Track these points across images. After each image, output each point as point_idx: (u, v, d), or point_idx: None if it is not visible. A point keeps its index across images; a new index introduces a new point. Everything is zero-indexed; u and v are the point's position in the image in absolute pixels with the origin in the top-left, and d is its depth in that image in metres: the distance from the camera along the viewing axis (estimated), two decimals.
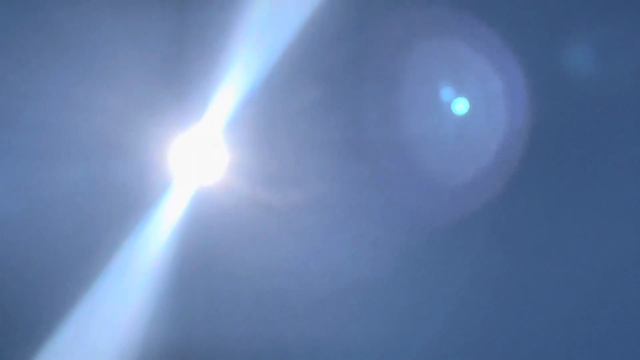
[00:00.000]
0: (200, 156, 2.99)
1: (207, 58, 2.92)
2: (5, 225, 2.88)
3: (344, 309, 3.00)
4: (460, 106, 3.02)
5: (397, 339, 2.99)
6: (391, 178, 3.03)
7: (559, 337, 2.98)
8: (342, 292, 2.99)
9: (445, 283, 3.00)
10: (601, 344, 2.97)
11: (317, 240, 3.00)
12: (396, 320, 3.00)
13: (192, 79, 2.92)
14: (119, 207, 2.90)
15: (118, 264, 2.90)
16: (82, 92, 2.88)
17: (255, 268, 2.97)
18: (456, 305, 2.98)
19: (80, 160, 2.90)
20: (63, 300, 2.87)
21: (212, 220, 2.97)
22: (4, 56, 2.86)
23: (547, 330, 2.99)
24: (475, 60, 3.02)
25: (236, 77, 2.92)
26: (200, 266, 2.96)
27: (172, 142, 2.97)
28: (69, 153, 2.90)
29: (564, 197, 3.02)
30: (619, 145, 3.02)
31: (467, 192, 3.02)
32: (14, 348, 2.86)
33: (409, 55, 3.01)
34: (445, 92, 3.04)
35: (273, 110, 2.98)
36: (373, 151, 3.03)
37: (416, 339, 2.98)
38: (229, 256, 2.97)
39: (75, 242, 2.89)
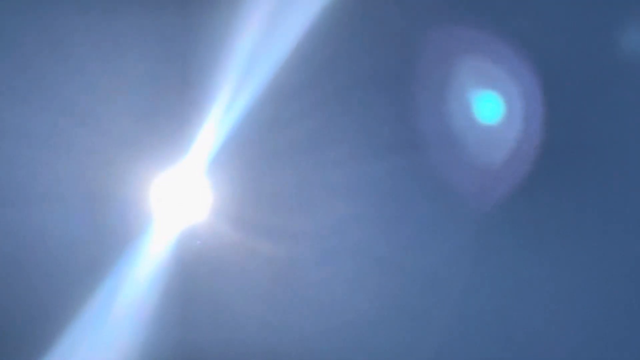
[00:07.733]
0: (183, 196, 2.96)
1: (191, 96, 2.90)
2: None
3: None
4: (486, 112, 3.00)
5: None
6: (390, 218, 3.00)
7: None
8: (336, 333, 2.97)
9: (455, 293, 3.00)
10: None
11: (303, 282, 2.98)
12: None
13: (176, 118, 2.90)
14: (100, 249, 2.88)
15: (98, 307, 2.88)
16: (63, 131, 2.87)
17: (241, 312, 2.95)
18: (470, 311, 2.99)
19: (61, 201, 2.88)
20: (40, 345, 2.85)
21: (195, 262, 2.94)
22: None
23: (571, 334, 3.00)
24: (493, 66, 3.00)
25: (220, 116, 2.89)
26: (182, 310, 2.93)
27: (155, 182, 2.94)
28: (49, 194, 2.89)
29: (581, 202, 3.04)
30: (634, 149, 3.04)
31: (482, 196, 3.00)
32: None
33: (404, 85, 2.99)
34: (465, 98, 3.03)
35: (259, 148, 2.95)
36: (367, 189, 2.99)
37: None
38: (214, 300, 2.95)
39: (55, 285, 2.87)
